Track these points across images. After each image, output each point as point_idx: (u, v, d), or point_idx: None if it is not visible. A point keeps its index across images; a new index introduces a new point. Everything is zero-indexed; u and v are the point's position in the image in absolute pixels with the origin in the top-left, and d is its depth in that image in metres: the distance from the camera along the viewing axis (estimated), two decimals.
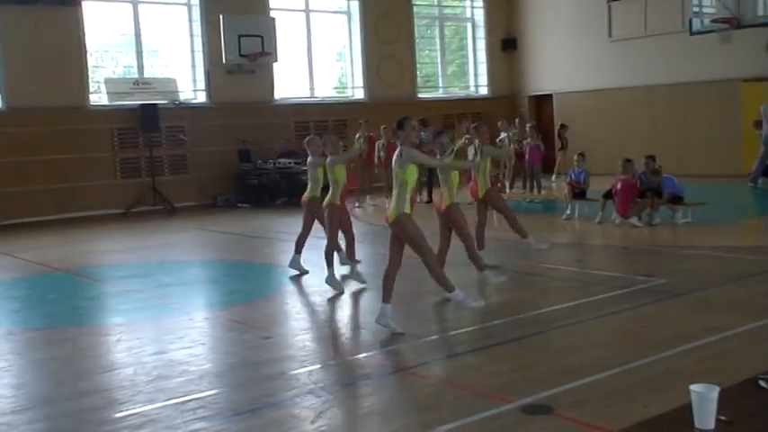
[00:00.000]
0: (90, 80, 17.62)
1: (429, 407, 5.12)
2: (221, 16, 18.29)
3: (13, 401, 5.59)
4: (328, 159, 8.85)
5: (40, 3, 16.47)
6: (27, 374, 6.35)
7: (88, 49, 17.50)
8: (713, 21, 18.42)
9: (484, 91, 24.08)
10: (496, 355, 6.23)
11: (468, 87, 24.28)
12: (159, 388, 5.69)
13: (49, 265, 11.24)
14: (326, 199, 8.90)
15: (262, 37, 18.63)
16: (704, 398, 2.59)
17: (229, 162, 18.56)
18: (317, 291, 9.09)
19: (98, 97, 17.77)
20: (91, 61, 17.69)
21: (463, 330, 6.76)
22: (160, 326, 7.63)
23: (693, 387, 2.63)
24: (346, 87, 21.87)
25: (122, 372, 6.10)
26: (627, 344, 6.25)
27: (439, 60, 23.73)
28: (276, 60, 19.15)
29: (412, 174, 6.89)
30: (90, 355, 6.77)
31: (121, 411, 5.24)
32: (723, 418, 2.61)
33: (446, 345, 6.50)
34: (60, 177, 16.61)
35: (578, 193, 13.58)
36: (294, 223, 14.64)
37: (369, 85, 21.39)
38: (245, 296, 8.86)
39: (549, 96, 23.19)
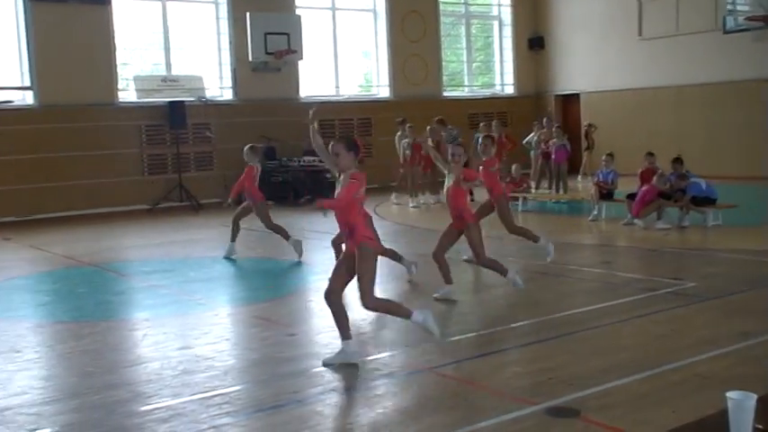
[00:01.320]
0: (119, 77, 17.75)
1: (453, 407, 5.10)
2: (248, 14, 18.34)
3: (42, 393, 5.64)
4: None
5: (73, 1, 16.61)
6: (56, 366, 6.41)
7: (117, 46, 17.63)
8: (747, 19, 18.21)
9: (510, 90, 23.99)
10: (522, 357, 6.20)
11: (493, 86, 24.19)
12: (185, 382, 5.72)
13: (77, 259, 11.34)
14: None
15: (288, 34, 18.66)
16: (741, 406, 2.50)
17: None
18: None
19: (126, 94, 17.90)
20: (120, 58, 17.81)
21: (488, 331, 6.74)
22: (185, 321, 7.67)
23: (730, 394, 2.53)
24: (372, 86, 21.87)
25: (149, 366, 6.14)
26: (654, 348, 6.19)
27: (465, 59, 23.67)
28: (302, 58, 19.17)
29: None
30: (117, 349, 6.82)
31: (148, 405, 5.27)
32: (760, 426, 2.54)
33: (471, 345, 6.48)
34: (89, 173, 16.74)
35: (606, 193, 13.50)
36: (317, 220, 14.68)
37: (394, 83, 21.37)
38: (269, 293, 8.88)
39: (576, 96, 23.05)
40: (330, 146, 5.98)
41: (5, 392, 5.59)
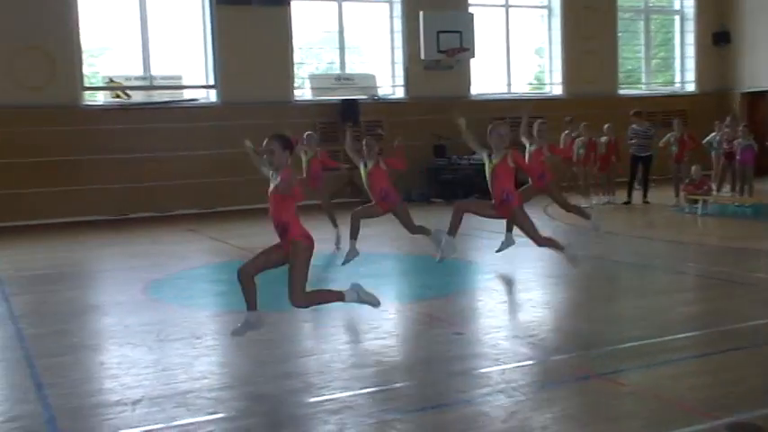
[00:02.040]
0: (295, 76, 18.35)
1: (626, 416, 4.92)
2: (421, 13, 18.49)
3: (219, 378, 5.92)
4: None
5: (255, 3, 17.34)
6: (232, 354, 6.70)
7: (294, 46, 18.23)
8: None
9: (690, 87, 22.94)
10: (700, 368, 5.89)
11: (672, 83, 23.21)
12: (354, 376, 5.82)
13: (253, 251, 11.79)
14: None
15: (460, 32, 18.67)
16: None
17: (424, 157, 18.74)
18: (511, 289, 8.99)
19: (302, 92, 18.49)
20: (296, 57, 18.42)
21: (665, 338, 6.44)
22: (354, 315, 7.78)
23: None
24: (544, 84, 21.50)
25: (320, 358, 6.28)
26: None
27: (642, 55, 22.83)
28: (474, 56, 19.13)
29: None
30: (289, 340, 7.03)
31: (319, 396, 5.39)
32: None
33: (646, 352, 6.21)
34: None
35: None
36: (487, 220, 14.60)
37: (567, 80, 20.92)
38: (438, 291, 8.90)
39: (765, 93, 21.69)
40: (264, 142, 6.23)
41: (187, 376, 5.89)
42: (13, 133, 15.61)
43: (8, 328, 7.57)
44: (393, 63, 19.28)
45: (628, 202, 16.07)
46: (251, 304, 6.45)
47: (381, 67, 19.29)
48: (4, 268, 11.02)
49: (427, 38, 18.54)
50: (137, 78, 17.11)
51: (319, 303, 6.75)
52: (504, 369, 5.83)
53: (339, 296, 6.64)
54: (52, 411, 5.26)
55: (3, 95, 15.58)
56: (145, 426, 4.97)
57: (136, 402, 5.34)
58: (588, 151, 15.94)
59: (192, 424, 4.94)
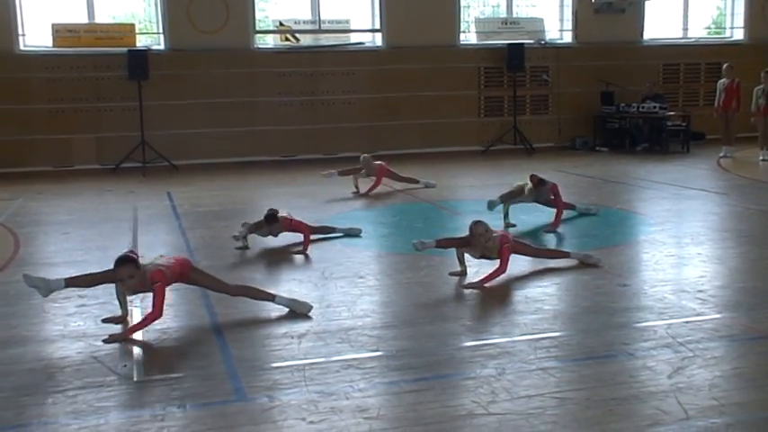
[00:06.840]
0: (461, 19, 18.13)
1: None
2: None
3: (382, 317, 6.06)
4: None
5: None
6: (394, 294, 6.82)
7: None
8: None
9: None
10: None
11: None
12: (513, 322, 5.82)
13: (415, 195, 11.92)
14: None
15: None
16: None
17: (590, 104, 18.18)
18: (680, 242, 8.65)
19: (466, 36, 18.27)
20: (462, 1, 18.16)
21: None
22: (517, 262, 7.72)
23: None
24: (723, 28, 20.25)
25: (479, 303, 6.30)
26: None
27: None
28: None
29: None
30: (450, 283, 7.07)
31: (478, 340, 5.43)
32: None
33: None
34: (428, 113, 17.43)
35: None
36: (655, 171, 14.09)
37: (751, 23, 19.57)
38: (602, 241, 8.69)
39: None
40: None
41: (350, 314, 6.07)
42: (190, 75, 16.33)
43: None
44: (562, 6, 18.65)
45: None
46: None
47: (549, 10, 18.73)
48: (181, 204, 11.66)
49: None
50: (305, 22, 17.43)
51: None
52: (669, 324, 5.65)
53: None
54: (224, 337, 5.57)
55: (181, 39, 16.29)
56: (310, 359, 5.16)
57: (301, 336, 5.55)
58: None
59: (354, 359, 5.09)
